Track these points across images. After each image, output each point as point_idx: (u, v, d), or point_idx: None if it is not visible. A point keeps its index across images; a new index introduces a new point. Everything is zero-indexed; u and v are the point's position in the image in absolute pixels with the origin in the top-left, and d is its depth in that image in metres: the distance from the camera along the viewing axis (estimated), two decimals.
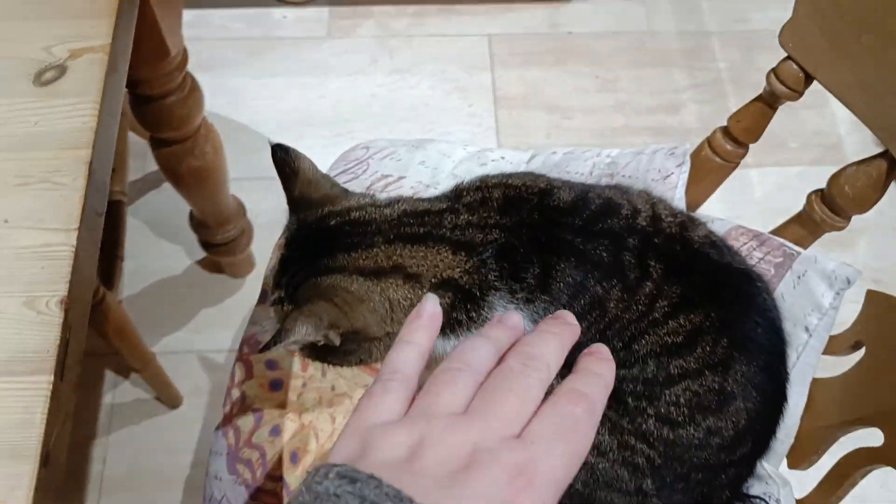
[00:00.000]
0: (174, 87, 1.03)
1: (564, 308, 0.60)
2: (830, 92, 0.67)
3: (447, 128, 1.69)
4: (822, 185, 0.73)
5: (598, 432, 0.66)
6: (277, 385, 0.84)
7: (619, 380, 0.64)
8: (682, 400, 0.62)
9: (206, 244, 1.39)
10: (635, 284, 0.61)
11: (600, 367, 0.39)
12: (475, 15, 1.85)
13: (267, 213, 1.56)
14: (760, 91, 0.73)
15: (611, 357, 0.40)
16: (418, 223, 0.62)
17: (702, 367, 0.62)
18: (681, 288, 0.61)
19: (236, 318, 1.49)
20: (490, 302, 0.60)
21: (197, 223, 1.34)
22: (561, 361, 0.39)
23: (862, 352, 0.69)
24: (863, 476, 0.65)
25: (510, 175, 0.66)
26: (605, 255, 0.60)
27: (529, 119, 1.72)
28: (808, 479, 0.71)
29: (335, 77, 1.75)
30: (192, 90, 1.07)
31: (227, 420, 0.84)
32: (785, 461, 0.72)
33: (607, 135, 1.71)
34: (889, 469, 0.63)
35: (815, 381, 0.70)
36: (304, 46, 1.78)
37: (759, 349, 0.63)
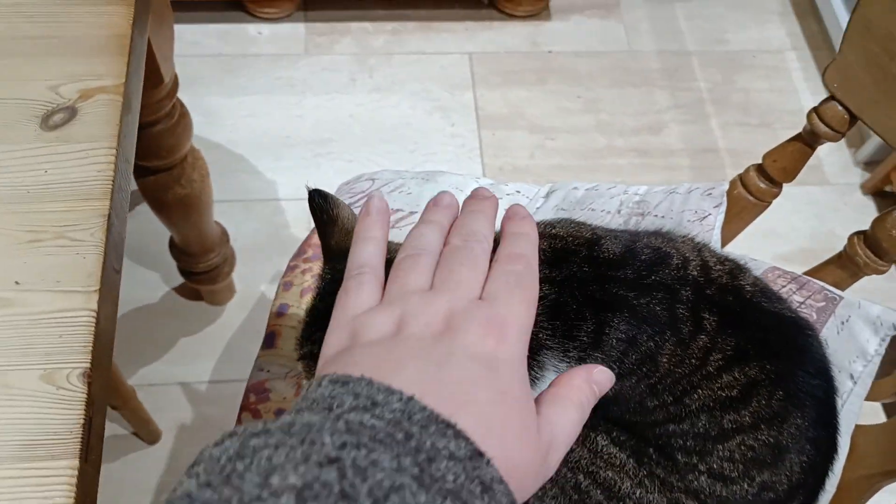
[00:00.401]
0: (163, 115, 0.98)
1: (615, 364, 0.57)
2: (876, 133, 0.65)
3: (430, 148, 1.66)
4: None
5: (647, 490, 0.64)
6: None
7: (668, 435, 0.62)
8: (736, 455, 0.60)
9: (186, 272, 1.33)
10: (689, 338, 0.58)
11: (523, 227, 0.46)
12: (455, 32, 1.82)
13: (245, 236, 1.51)
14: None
15: (527, 213, 0.47)
16: None
17: (757, 420, 0.59)
18: (735, 340, 0.59)
19: (217, 348, 1.43)
20: (541, 362, 0.57)
21: (178, 251, 1.28)
22: (492, 231, 0.46)
23: None
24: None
25: (551, 224, 0.63)
26: (658, 308, 0.57)
27: (513, 139, 1.69)
28: None
29: (313, 95, 1.70)
30: (182, 117, 1.02)
31: None
32: None
33: (591, 156, 1.69)
34: None
35: (857, 429, 0.69)
36: (281, 64, 1.73)
37: (812, 401, 0.61)
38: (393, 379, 0.35)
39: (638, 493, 0.63)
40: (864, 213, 1.66)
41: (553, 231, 0.62)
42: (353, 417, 0.33)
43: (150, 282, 1.47)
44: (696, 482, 0.61)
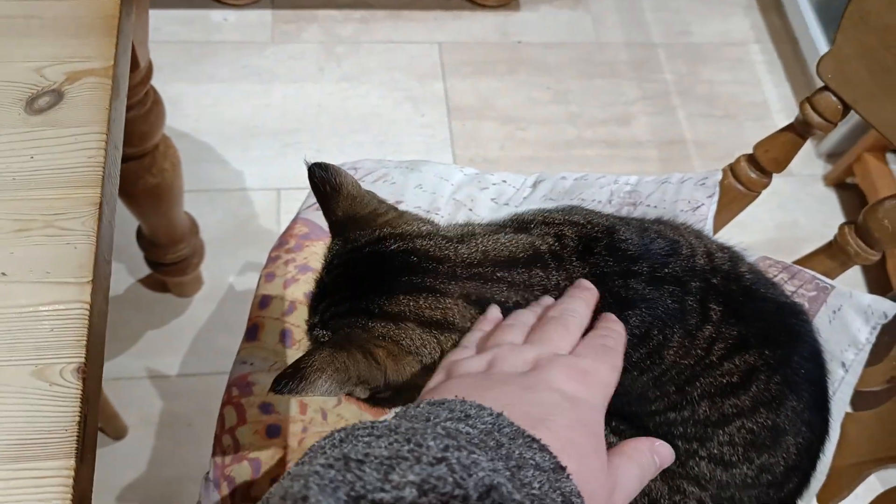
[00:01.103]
0: (136, 102, 0.94)
1: (624, 357, 0.57)
2: (870, 124, 0.66)
3: (400, 139, 1.64)
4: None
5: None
6: (275, 431, 0.78)
7: (669, 423, 0.62)
8: (736, 439, 0.61)
9: (154, 263, 1.29)
10: (696, 329, 0.58)
11: (617, 326, 0.50)
12: (424, 22, 1.81)
13: (211, 227, 1.47)
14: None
15: (620, 322, 0.51)
16: (504, 278, 0.56)
17: (756, 404, 0.60)
18: (737, 329, 0.59)
19: (184, 341, 1.39)
20: None
21: (147, 242, 1.24)
22: (589, 314, 0.50)
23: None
24: None
25: (568, 211, 0.62)
26: (669, 302, 0.57)
27: (483, 130, 1.68)
28: None
29: (280, 84, 1.66)
30: (155, 104, 0.99)
31: (219, 470, 0.77)
32: (815, 500, 0.72)
33: (561, 147, 1.69)
34: None
35: (847, 416, 0.70)
36: (247, 51, 1.69)
37: (807, 384, 0.62)
38: (484, 399, 0.39)
39: None
40: (826, 204, 1.70)
41: (571, 218, 0.60)
42: (450, 425, 0.36)
43: (115, 273, 1.41)
44: (696, 468, 0.61)
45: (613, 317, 0.51)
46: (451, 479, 0.30)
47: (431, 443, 0.33)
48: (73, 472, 0.46)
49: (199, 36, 1.69)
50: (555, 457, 0.35)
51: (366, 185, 0.91)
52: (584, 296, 0.52)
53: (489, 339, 0.48)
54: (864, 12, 0.62)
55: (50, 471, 0.45)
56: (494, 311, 0.53)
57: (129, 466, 1.28)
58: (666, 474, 0.62)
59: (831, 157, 1.74)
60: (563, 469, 0.35)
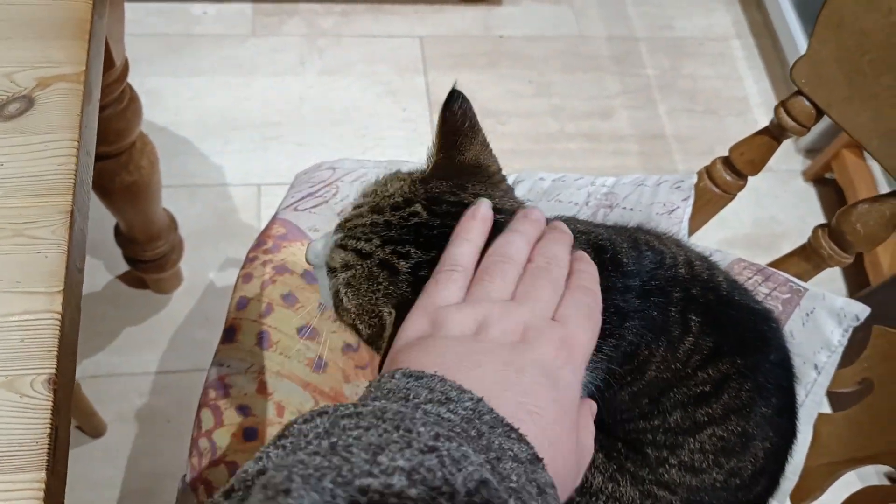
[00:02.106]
0: (113, 99, 0.93)
1: (613, 371, 0.56)
2: (843, 129, 0.67)
3: (381, 133, 1.63)
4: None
5: (619, 484, 0.64)
6: (252, 434, 0.78)
7: (638, 431, 0.62)
8: (707, 446, 0.61)
9: (132, 260, 1.28)
10: (677, 342, 0.58)
11: (588, 266, 0.50)
12: (405, 15, 1.80)
13: (190, 223, 1.46)
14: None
15: (590, 259, 0.51)
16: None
17: (727, 412, 0.60)
18: (713, 339, 0.59)
19: (163, 337, 1.39)
20: None
21: (125, 239, 1.23)
22: (569, 263, 0.49)
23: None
24: None
25: (571, 220, 0.61)
26: (656, 314, 0.56)
27: None
28: None
29: (261, 77, 1.65)
30: (132, 101, 0.98)
31: (196, 473, 0.77)
32: (788, 500, 0.72)
33: (543, 140, 1.69)
34: None
35: (820, 417, 0.70)
36: (227, 44, 1.68)
37: (776, 390, 0.62)
38: (469, 377, 0.39)
39: (610, 487, 0.63)
40: (805, 200, 1.71)
41: (577, 227, 0.59)
42: (431, 409, 0.35)
43: (92, 270, 1.41)
44: (666, 475, 0.62)
45: (586, 257, 0.50)
46: (440, 474, 0.30)
47: (422, 429, 0.32)
48: (43, 485, 0.45)
49: (178, 28, 1.68)
50: (532, 448, 0.36)
51: (346, 185, 0.91)
52: (565, 240, 0.50)
53: (481, 282, 0.46)
54: (839, 16, 0.62)
55: (21, 483, 0.45)
56: (485, 208, 0.50)
57: (107, 463, 1.28)
58: (636, 480, 0.63)
59: (810, 152, 1.76)
60: (540, 460, 0.36)
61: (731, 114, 1.79)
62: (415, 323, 0.45)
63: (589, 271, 0.49)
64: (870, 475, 1.12)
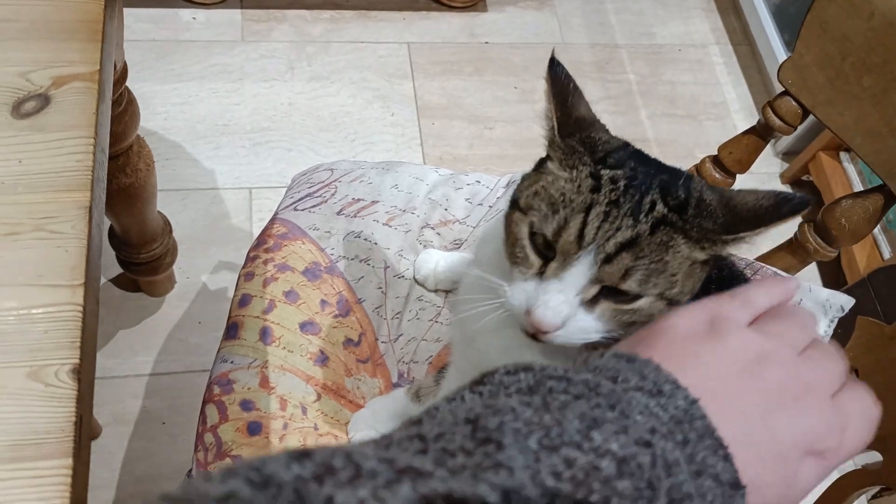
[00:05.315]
0: (112, 102, 0.95)
1: None
2: (828, 128, 0.70)
3: (370, 137, 1.65)
4: None
5: None
6: (256, 428, 0.79)
7: None
8: None
9: (126, 263, 1.29)
10: None
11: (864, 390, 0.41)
12: (393, 22, 1.82)
13: (183, 226, 1.47)
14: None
15: None
16: None
17: None
18: None
19: (156, 340, 1.39)
20: None
21: (119, 241, 1.24)
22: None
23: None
24: (859, 496, 0.68)
25: None
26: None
27: (452, 129, 1.71)
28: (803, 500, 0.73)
29: (251, 83, 1.67)
30: (129, 104, 1.00)
31: (202, 468, 0.78)
32: None
33: (528, 145, 1.72)
34: None
35: None
36: (216, 50, 1.69)
37: None
38: (704, 381, 0.34)
39: None
40: None
41: None
42: (640, 399, 0.31)
43: None
44: None
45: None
46: (647, 474, 0.27)
47: (639, 417, 0.30)
48: (70, 471, 0.47)
49: (168, 34, 1.69)
50: (735, 470, 0.32)
51: (344, 185, 0.93)
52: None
53: (770, 320, 0.40)
54: (823, 22, 0.65)
55: (49, 470, 0.47)
56: (794, 284, 0.45)
57: (102, 465, 1.28)
58: None
59: (787, 155, 1.80)
60: (742, 487, 0.32)
61: (710, 118, 1.83)
62: (693, 315, 0.39)
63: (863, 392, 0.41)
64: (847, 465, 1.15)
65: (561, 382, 0.31)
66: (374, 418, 0.80)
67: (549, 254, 0.51)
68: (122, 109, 0.98)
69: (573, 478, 0.25)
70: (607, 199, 0.49)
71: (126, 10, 1.68)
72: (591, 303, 0.50)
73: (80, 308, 0.51)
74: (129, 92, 0.99)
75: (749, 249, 0.52)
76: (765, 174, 1.78)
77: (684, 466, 0.29)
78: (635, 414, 0.30)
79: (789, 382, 0.36)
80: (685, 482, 0.28)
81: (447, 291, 0.87)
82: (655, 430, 0.29)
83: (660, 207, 0.49)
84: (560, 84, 0.57)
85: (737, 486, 0.31)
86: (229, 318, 0.85)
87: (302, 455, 0.24)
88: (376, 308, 0.86)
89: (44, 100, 0.57)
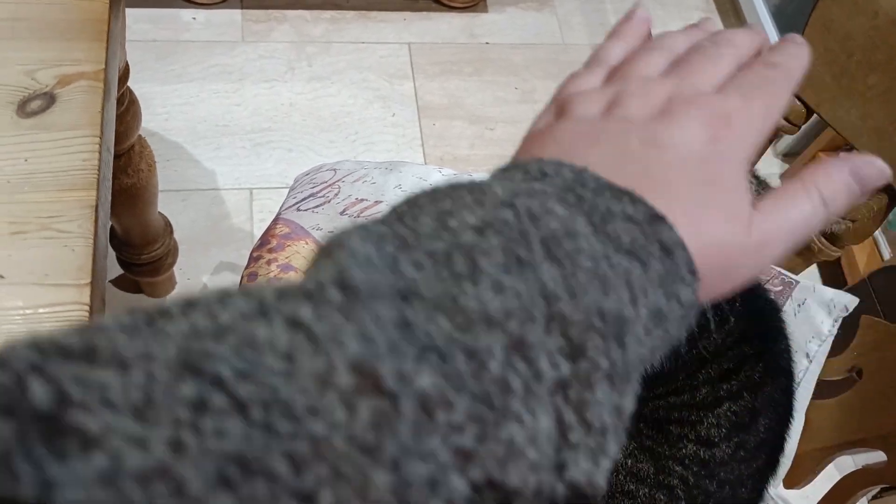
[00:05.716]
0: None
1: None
2: (833, 127, 0.70)
3: (371, 138, 1.65)
4: None
5: (637, 460, 0.68)
6: None
7: (668, 408, 0.66)
8: (723, 420, 0.65)
9: (127, 264, 1.29)
10: (722, 322, 0.62)
11: (795, 48, 0.36)
12: (393, 22, 1.82)
13: (183, 227, 1.47)
14: None
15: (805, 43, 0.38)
16: None
17: (741, 388, 0.65)
18: (745, 323, 0.64)
19: None
20: None
21: (120, 242, 1.24)
22: (751, 51, 0.37)
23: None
24: (864, 496, 0.68)
25: None
26: None
27: (453, 129, 1.70)
28: (808, 501, 0.74)
29: (251, 84, 1.67)
30: (131, 104, 0.99)
31: None
32: (781, 485, 0.75)
33: None
34: None
35: (811, 404, 0.73)
36: (217, 50, 1.69)
37: (781, 372, 0.67)
38: (585, 156, 0.30)
39: (629, 462, 0.67)
40: None
41: None
42: (523, 184, 0.28)
43: None
44: (684, 449, 0.66)
45: (799, 38, 0.37)
46: (516, 226, 0.25)
47: (498, 189, 0.26)
48: None
49: (168, 35, 1.69)
50: (649, 206, 0.28)
51: (347, 185, 0.93)
52: (751, 32, 0.38)
53: (621, 66, 0.37)
54: (826, 20, 0.65)
55: None
56: (642, 14, 0.41)
57: None
58: (654, 456, 0.66)
59: (787, 156, 1.80)
60: (662, 219, 0.28)
61: None
62: (540, 117, 0.36)
63: (789, 54, 0.36)
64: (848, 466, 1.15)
65: (427, 196, 0.28)
66: None
67: None
68: (125, 109, 0.97)
69: (436, 263, 0.23)
70: None
71: (126, 11, 1.69)
72: None
73: (87, 307, 0.51)
74: (131, 92, 0.99)
75: None
76: (764, 175, 1.78)
77: (561, 212, 0.26)
78: (496, 188, 0.27)
79: (643, 110, 0.32)
80: (559, 227, 0.25)
81: None
82: (518, 194, 0.26)
83: None
84: None
85: (658, 219, 0.28)
86: None
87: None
88: None
89: (49, 99, 0.57)
